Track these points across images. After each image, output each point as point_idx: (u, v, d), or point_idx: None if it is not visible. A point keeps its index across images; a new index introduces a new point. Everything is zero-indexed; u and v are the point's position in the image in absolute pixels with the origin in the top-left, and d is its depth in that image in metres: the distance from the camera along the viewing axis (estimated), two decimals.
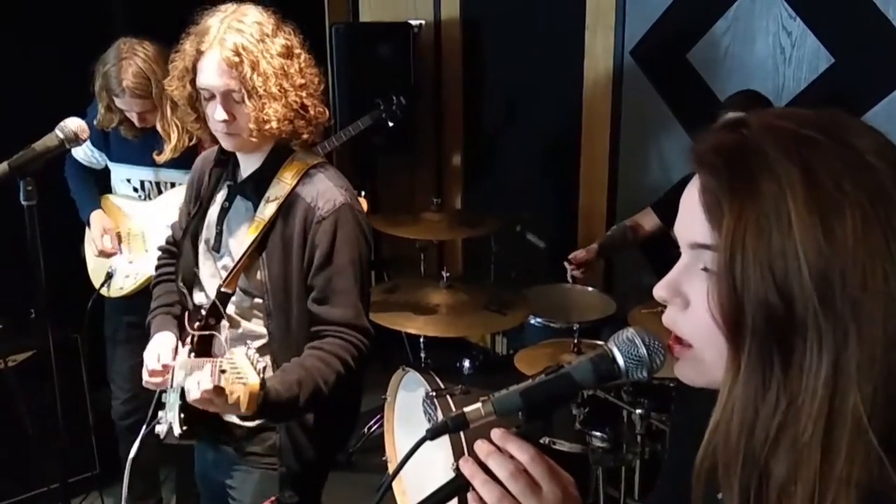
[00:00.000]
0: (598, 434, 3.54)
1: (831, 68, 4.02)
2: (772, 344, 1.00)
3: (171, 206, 3.65)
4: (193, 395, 2.14)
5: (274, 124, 2.38)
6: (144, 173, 3.85)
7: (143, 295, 3.71)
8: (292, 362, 2.43)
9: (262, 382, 2.15)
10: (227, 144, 2.51)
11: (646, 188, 4.76)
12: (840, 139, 1.02)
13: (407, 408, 4.17)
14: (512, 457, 1.23)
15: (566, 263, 4.26)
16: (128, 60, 3.54)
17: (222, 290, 2.55)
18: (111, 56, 3.58)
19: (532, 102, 5.55)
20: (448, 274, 4.20)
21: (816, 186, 0.98)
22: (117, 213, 3.96)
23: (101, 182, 4.03)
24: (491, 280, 5.26)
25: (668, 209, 4.34)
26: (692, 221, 1.08)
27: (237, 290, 2.57)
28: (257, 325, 2.60)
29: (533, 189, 5.59)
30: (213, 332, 2.58)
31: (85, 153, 3.97)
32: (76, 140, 2.67)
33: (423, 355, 4.35)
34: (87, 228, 3.99)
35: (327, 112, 2.60)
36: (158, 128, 3.64)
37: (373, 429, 4.99)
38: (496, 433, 1.26)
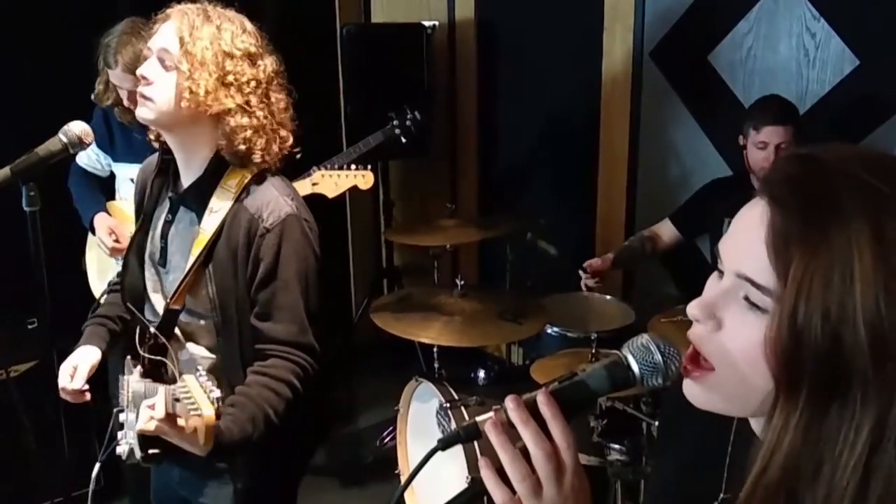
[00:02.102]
0: (616, 446, 3.54)
1: (856, 70, 4.01)
2: (824, 394, 1.03)
3: None
4: (146, 424, 2.09)
5: (201, 92, 2.29)
6: (134, 169, 3.83)
7: None
8: (241, 393, 2.35)
9: (218, 414, 2.07)
10: (139, 112, 2.39)
11: (665, 194, 4.76)
12: None
13: (420, 419, 4.17)
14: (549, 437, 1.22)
15: (581, 272, 4.27)
16: (129, 36, 3.59)
17: (170, 307, 2.49)
18: (116, 30, 3.64)
19: (548, 105, 5.56)
20: (462, 282, 4.21)
21: (884, 247, 1.00)
22: (122, 218, 3.96)
23: (105, 190, 4.05)
24: (506, 288, 5.27)
25: (687, 222, 4.34)
26: (747, 252, 1.09)
27: (184, 309, 2.51)
28: (206, 346, 2.54)
29: (550, 194, 5.60)
30: (162, 355, 2.53)
31: (89, 157, 4.00)
32: (80, 144, 2.66)
33: (436, 365, 4.36)
34: (89, 235, 4.00)
35: (290, 140, 2.50)
36: None
37: (385, 441, 5.00)
38: (542, 397, 1.24)
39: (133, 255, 2.66)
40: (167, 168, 2.59)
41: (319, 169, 4.00)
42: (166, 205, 2.58)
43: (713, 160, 4.58)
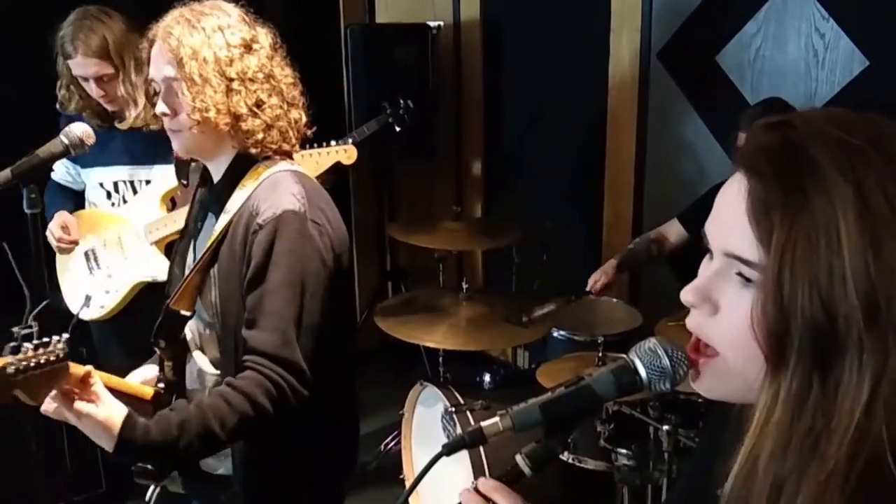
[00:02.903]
0: (623, 451, 3.54)
1: (866, 71, 4.01)
2: (814, 364, 1.01)
3: (147, 204, 3.63)
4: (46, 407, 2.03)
5: (212, 114, 2.22)
6: (117, 173, 3.77)
7: (128, 315, 3.70)
8: (193, 399, 2.22)
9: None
10: (174, 145, 2.36)
11: (673, 196, 4.76)
12: (890, 154, 1.03)
13: (425, 424, 4.17)
14: None
15: (588, 293, 4.27)
16: (82, 21, 3.51)
17: (171, 308, 2.37)
18: (69, 20, 3.55)
19: (555, 107, 5.56)
20: (468, 285, 4.22)
21: (868, 207, 0.99)
22: (91, 225, 3.85)
23: (81, 204, 3.95)
24: (512, 291, 5.27)
25: (696, 221, 4.33)
26: (732, 228, 1.09)
27: (193, 315, 2.43)
28: (211, 359, 2.46)
29: (556, 196, 5.60)
30: (174, 362, 2.46)
31: (62, 171, 3.95)
32: (82, 146, 2.66)
33: (441, 369, 4.37)
34: (56, 256, 3.90)
35: (303, 118, 2.42)
36: (122, 91, 3.56)
37: (390, 446, 5.00)
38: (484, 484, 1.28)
39: (176, 265, 2.57)
40: (209, 178, 2.49)
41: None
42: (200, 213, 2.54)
43: (721, 162, 4.58)
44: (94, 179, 3.84)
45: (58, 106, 3.69)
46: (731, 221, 1.09)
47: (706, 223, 1.16)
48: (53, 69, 3.63)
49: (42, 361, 1.92)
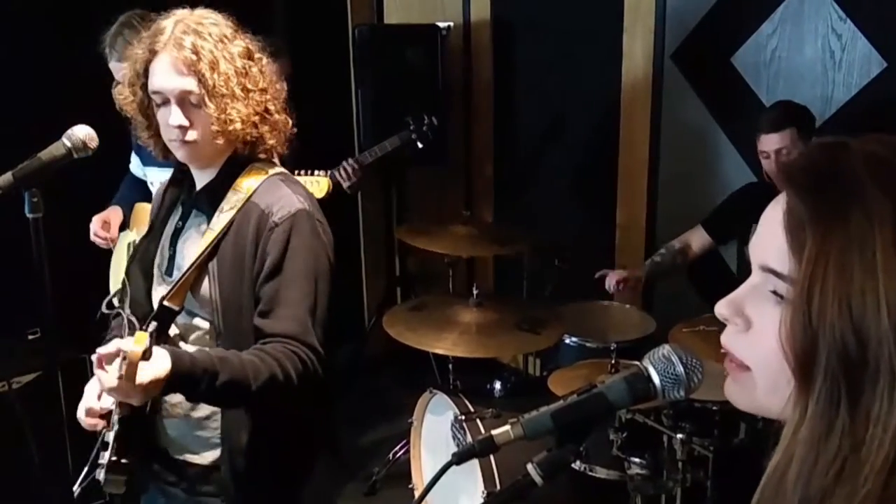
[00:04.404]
0: (636, 460, 3.54)
1: (884, 73, 4.01)
2: (842, 386, 0.99)
3: None
4: (109, 383, 2.07)
5: (238, 125, 2.32)
6: (166, 173, 3.83)
7: None
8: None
9: (146, 353, 2.03)
10: (181, 154, 2.41)
11: (688, 200, 4.76)
12: None
13: (434, 432, 4.17)
14: None
15: (607, 273, 4.28)
16: (124, 26, 3.62)
17: (165, 303, 2.41)
18: (116, 22, 3.67)
19: (566, 109, 5.56)
20: (478, 291, 4.21)
21: None
22: (141, 219, 3.96)
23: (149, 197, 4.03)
24: (523, 297, 5.27)
25: (720, 227, 4.34)
26: (770, 242, 1.08)
27: (182, 309, 2.47)
28: (197, 349, 2.44)
29: (568, 200, 5.60)
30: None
31: (135, 161, 4.09)
32: (84, 149, 2.65)
33: (451, 377, 4.36)
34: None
35: (290, 121, 2.51)
36: None
37: (398, 454, 5.00)
38: None
39: (137, 265, 2.61)
40: (182, 178, 2.58)
41: None
42: (178, 213, 2.58)
43: (737, 165, 4.58)
44: (151, 177, 3.98)
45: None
46: (769, 235, 1.08)
47: (750, 242, 1.15)
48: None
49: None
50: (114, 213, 3.99)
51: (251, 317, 2.39)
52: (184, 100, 2.32)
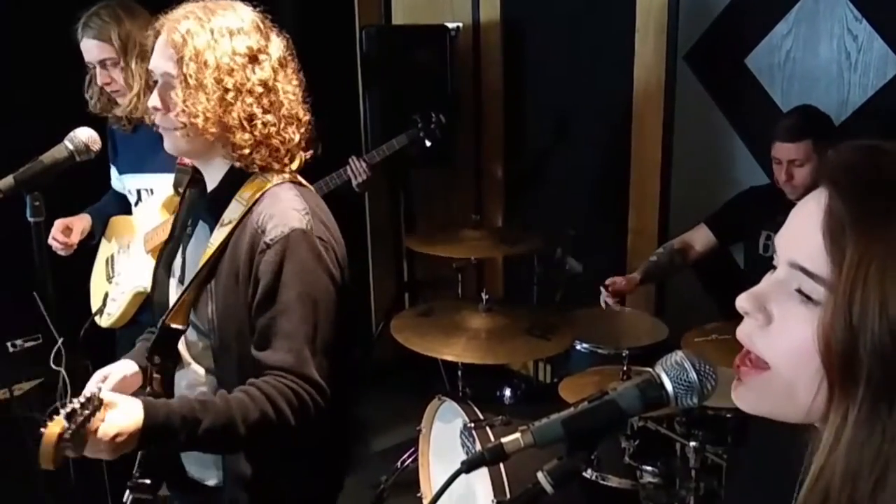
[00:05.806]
0: (649, 469, 3.54)
1: None
2: (884, 390, 1.01)
3: (150, 212, 3.68)
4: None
5: (200, 121, 2.21)
6: (143, 180, 3.80)
7: (137, 325, 3.71)
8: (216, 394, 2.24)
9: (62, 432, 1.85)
10: (164, 143, 2.36)
11: (700, 204, 4.75)
12: None
13: (443, 440, 4.17)
14: None
15: (602, 288, 4.26)
16: (98, 10, 3.56)
17: (166, 324, 2.37)
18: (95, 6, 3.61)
19: (578, 111, 5.56)
20: (487, 296, 4.20)
21: None
22: (118, 231, 3.93)
23: (128, 209, 3.98)
24: (534, 303, 5.27)
25: (724, 226, 4.34)
26: (803, 240, 1.09)
27: (187, 328, 2.42)
28: (205, 366, 2.45)
29: (579, 204, 5.60)
30: (165, 375, 2.47)
31: (113, 172, 3.99)
32: (87, 151, 2.65)
33: (460, 384, 4.36)
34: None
35: (298, 138, 2.39)
36: (121, 80, 3.58)
37: (406, 462, 4.99)
38: None
39: (161, 267, 2.59)
40: (200, 178, 2.49)
41: None
42: (190, 217, 2.55)
43: (751, 168, 4.58)
44: (128, 185, 3.90)
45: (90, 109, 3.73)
46: (802, 233, 1.09)
47: (777, 235, 1.16)
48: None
49: (87, 414, 1.90)
50: (78, 220, 3.88)
51: (247, 343, 2.31)
52: (165, 84, 2.28)
